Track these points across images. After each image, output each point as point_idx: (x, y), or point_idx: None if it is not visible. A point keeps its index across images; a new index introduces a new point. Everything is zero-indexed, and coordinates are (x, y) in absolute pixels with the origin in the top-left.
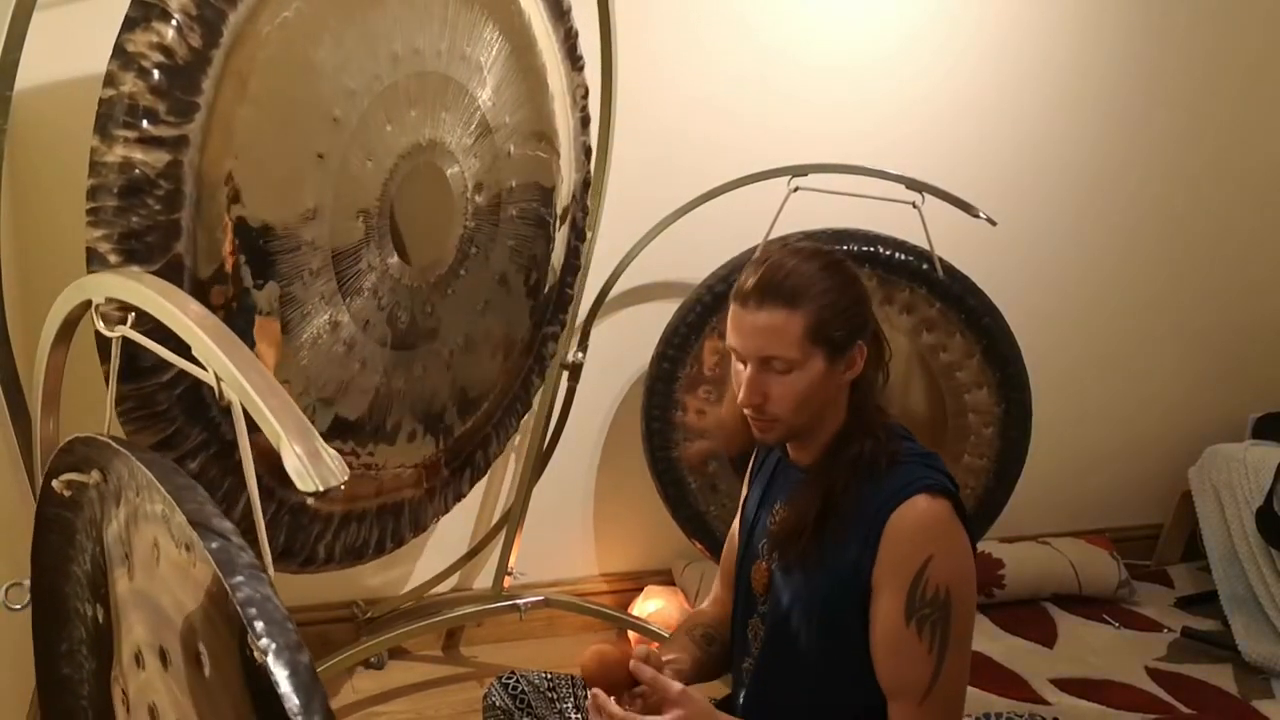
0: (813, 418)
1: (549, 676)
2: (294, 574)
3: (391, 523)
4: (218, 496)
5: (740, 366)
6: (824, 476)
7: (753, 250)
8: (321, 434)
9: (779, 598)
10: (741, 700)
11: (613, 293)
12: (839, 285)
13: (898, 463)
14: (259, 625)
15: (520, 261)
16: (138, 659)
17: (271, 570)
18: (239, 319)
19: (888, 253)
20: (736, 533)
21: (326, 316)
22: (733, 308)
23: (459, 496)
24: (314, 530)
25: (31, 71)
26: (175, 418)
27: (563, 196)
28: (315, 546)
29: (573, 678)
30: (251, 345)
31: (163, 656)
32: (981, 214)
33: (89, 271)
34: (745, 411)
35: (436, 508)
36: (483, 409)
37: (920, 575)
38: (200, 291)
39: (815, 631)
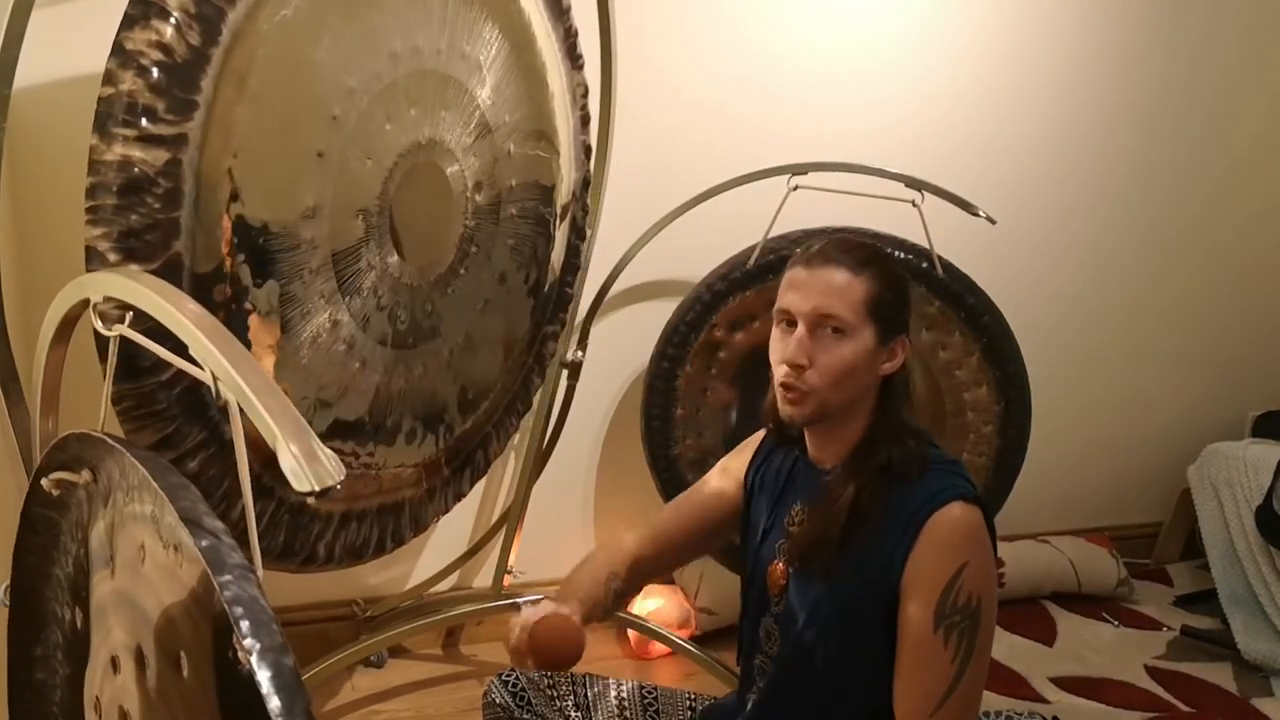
0: (845, 401)
1: (549, 674)
2: (293, 573)
3: (392, 522)
4: (217, 495)
5: (786, 331)
6: (852, 482)
7: (753, 249)
8: (320, 434)
9: (797, 602)
10: (752, 701)
11: (612, 291)
12: (897, 271)
13: (928, 469)
14: (245, 625)
15: (520, 260)
16: (114, 664)
17: (261, 571)
18: (238, 318)
19: (887, 251)
20: (711, 498)
21: (326, 315)
22: (793, 271)
23: (459, 496)
24: (314, 529)
25: (30, 70)
26: (175, 417)
27: (562, 195)
28: (315, 546)
29: (572, 675)
30: (249, 345)
31: (139, 660)
32: (981, 212)
33: (88, 270)
34: (781, 378)
35: (437, 507)
36: (483, 408)
37: (954, 581)
38: (199, 290)
39: (835, 638)
